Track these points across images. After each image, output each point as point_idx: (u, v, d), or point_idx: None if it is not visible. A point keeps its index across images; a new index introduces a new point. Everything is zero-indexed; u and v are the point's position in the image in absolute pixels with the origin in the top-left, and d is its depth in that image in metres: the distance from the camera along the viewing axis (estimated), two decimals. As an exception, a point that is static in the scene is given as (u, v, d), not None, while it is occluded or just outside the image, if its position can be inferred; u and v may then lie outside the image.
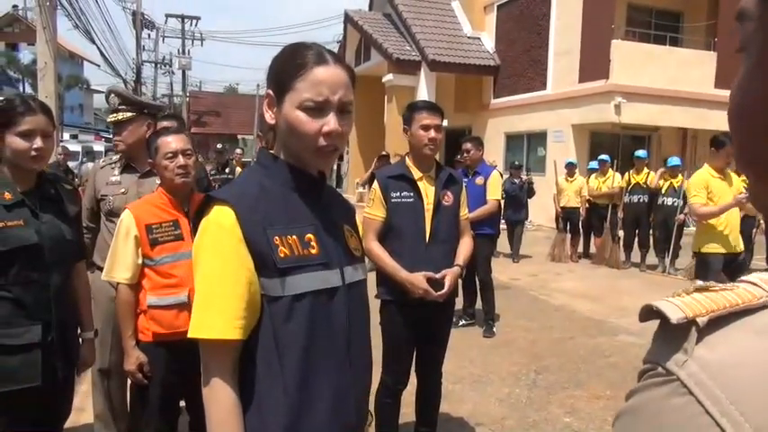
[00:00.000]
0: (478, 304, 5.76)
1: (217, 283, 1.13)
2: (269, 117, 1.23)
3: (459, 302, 3.75)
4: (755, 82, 0.42)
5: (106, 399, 2.90)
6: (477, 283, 5.69)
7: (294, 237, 1.17)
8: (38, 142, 1.96)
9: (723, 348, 0.33)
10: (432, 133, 2.75)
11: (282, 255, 1.14)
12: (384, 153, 10.10)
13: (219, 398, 1.12)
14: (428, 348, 2.94)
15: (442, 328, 2.94)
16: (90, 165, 11.03)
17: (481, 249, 5.46)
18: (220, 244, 1.13)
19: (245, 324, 1.12)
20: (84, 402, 3.46)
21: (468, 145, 5.70)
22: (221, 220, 1.14)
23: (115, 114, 2.86)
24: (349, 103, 1.21)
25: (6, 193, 1.93)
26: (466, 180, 5.56)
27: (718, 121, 10.14)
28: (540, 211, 12.82)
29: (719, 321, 0.34)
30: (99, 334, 2.73)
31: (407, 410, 3.16)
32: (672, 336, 0.35)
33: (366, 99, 18.74)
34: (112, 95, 2.89)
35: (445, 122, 12.21)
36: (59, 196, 2.10)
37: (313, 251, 1.19)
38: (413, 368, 2.97)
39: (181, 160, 2.30)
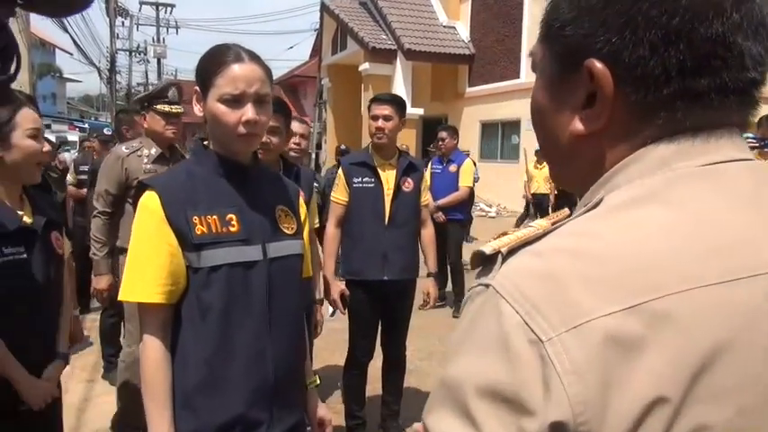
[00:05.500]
0: (449, 287, 5.98)
1: (141, 256, 1.33)
2: (197, 111, 1.40)
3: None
4: (539, 96, 0.63)
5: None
6: (448, 266, 5.91)
7: (214, 216, 1.34)
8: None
9: (514, 264, 0.51)
10: (379, 122, 2.92)
11: (199, 232, 1.32)
12: (343, 147, 10.04)
13: (149, 352, 1.33)
14: (390, 324, 3.15)
15: (402, 305, 3.14)
16: (66, 155, 10.99)
17: (453, 234, 5.70)
18: (145, 223, 1.34)
19: (168, 290, 1.32)
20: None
21: (443, 134, 5.93)
22: (148, 204, 1.34)
23: (177, 107, 3.15)
24: (265, 94, 1.36)
25: None
26: (440, 167, 5.80)
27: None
28: (514, 198, 13.09)
29: (514, 250, 0.53)
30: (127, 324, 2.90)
31: (376, 385, 3.36)
32: (487, 267, 0.53)
33: (343, 88, 18.80)
34: (173, 89, 3.18)
35: (421, 111, 12.15)
36: (47, 184, 2.24)
37: (233, 229, 1.35)
38: (378, 343, 3.18)
39: None
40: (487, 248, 0.53)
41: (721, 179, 0.52)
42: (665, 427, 0.43)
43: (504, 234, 0.56)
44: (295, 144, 3.05)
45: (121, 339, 3.25)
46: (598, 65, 0.53)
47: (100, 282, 3.10)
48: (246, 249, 1.37)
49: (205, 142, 1.45)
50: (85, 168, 5.63)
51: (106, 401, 3.58)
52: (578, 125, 0.56)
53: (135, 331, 3.03)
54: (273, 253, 1.42)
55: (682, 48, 0.51)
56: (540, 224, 0.55)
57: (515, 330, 0.46)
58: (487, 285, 0.50)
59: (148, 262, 1.31)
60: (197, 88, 1.39)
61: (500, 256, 0.52)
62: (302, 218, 1.57)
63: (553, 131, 0.60)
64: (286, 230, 1.47)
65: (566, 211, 0.56)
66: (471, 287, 0.54)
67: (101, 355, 4.11)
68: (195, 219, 1.32)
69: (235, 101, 1.32)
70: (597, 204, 0.53)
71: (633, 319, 0.44)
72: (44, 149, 1.84)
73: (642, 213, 0.50)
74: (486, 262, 0.54)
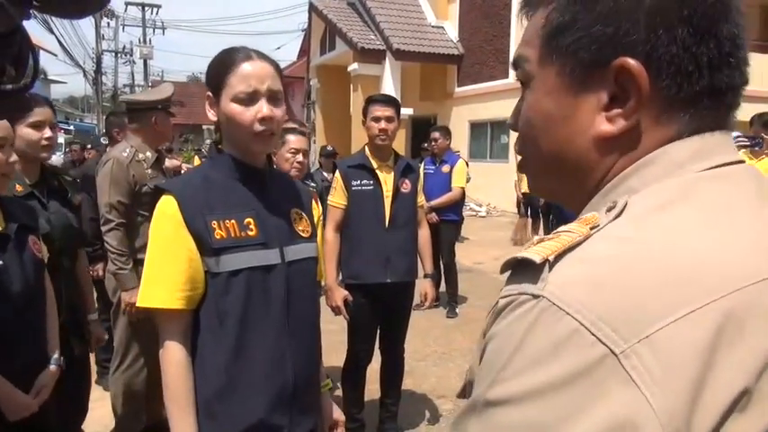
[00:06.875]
0: (442, 287, 5.98)
1: (159, 262, 1.32)
2: (211, 115, 1.40)
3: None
4: (543, 104, 0.60)
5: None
6: (442, 266, 5.91)
7: (233, 221, 1.34)
8: (47, 132, 2.09)
9: (565, 273, 0.48)
10: (382, 124, 2.89)
11: (219, 237, 1.31)
12: (329, 148, 9.90)
13: (170, 358, 1.31)
14: (390, 326, 3.14)
15: (402, 307, 3.14)
16: (54, 157, 10.82)
17: (446, 234, 5.70)
18: (163, 228, 1.33)
19: (187, 296, 1.31)
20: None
21: (436, 134, 5.93)
22: (165, 208, 1.33)
23: None
24: (278, 91, 1.37)
25: (18, 186, 2.04)
26: (433, 168, 5.80)
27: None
28: (503, 197, 13.13)
29: (558, 257, 0.50)
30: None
31: (374, 387, 3.35)
32: (528, 274, 0.50)
33: (332, 88, 18.74)
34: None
35: (411, 111, 12.14)
36: (63, 187, 2.23)
37: (251, 233, 1.35)
38: (377, 346, 3.17)
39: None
40: (536, 257, 0.50)
41: (733, 180, 0.53)
42: (749, 420, 0.42)
43: (542, 240, 0.54)
44: (298, 163, 2.82)
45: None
46: (632, 62, 0.52)
47: (133, 296, 2.79)
48: (265, 253, 1.37)
49: (219, 146, 1.44)
50: None
51: (100, 406, 3.54)
52: (605, 126, 0.55)
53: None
54: (291, 256, 1.42)
55: (711, 45, 0.52)
56: (578, 230, 0.52)
57: (582, 344, 0.44)
58: (536, 296, 0.47)
59: (167, 267, 1.30)
60: (209, 93, 1.39)
61: (547, 264, 0.50)
62: (315, 221, 1.58)
63: (563, 139, 0.58)
64: (301, 233, 1.48)
65: (595, 214, 0.54)
66: (509, 293, 0.51)
67: (94, 360, 4.06)
68: (214, 223, 1.31)
69: (248, 99, 1.33)
70: (624, 208, 0.52)
71: (704, 321, 0.43)
72: (10, 160, 1.78)
73: (679, 216, 0.50)
74: (520, 268, 0.51)
